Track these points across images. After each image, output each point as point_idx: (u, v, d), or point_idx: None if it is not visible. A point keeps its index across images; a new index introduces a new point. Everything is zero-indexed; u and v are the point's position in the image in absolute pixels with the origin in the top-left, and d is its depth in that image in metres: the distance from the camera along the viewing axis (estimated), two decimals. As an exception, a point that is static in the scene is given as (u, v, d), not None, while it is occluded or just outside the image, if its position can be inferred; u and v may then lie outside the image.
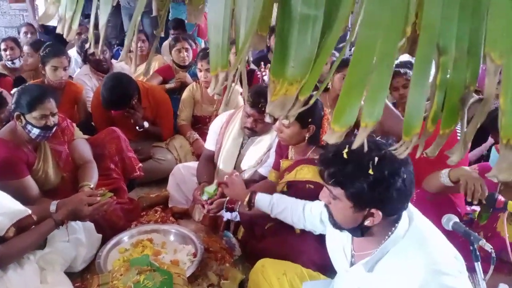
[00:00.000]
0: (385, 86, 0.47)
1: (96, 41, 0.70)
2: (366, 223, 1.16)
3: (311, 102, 0.53)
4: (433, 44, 0.46)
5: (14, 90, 2.15)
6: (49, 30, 4.90)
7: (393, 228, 1.18)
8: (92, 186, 2.20)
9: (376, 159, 1.06)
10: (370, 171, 1.06)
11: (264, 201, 1.76)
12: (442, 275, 1.08)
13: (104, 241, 2.05)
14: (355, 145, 0.48)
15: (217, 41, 0.59)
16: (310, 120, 1.90)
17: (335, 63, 0.55)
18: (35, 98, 2.02)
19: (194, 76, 3.67)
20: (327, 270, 1.57)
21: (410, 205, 1.23)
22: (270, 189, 2.11)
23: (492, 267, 1.34)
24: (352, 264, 1.31)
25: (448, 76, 0.46)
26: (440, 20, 0.46)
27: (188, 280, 1.70)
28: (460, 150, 0.47)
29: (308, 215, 1.64)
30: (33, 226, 1.81)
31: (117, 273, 1.62)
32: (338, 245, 1.38)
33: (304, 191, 1.89)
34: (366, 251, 1.25)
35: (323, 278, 1.68)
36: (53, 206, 1.89)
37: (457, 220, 1.49)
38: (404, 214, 1.20)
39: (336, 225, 1.24)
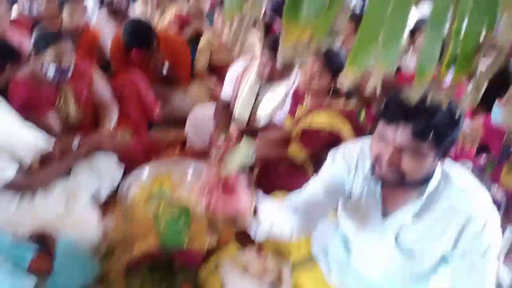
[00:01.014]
0: (400, 32, 0.48)
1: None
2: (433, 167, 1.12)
3: (322, 48, 0.54)
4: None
5: (35, 32, 2.18)
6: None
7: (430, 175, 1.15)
8: (111, 127, 2.27)
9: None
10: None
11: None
12: (488, 210, 1.10)
13: (124, 174, 2.11)
14: (368, 89, 0.49)
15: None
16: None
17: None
18: (52, 37, 2.07)
19: (211, 24, 3.62)
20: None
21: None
22: (284, 135, 2.15)
23: (501, 213, 1.36)
24: (385, 215, 1.26)
25: (464, 24, 0.46)
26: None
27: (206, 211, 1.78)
28: (472, 95, 0.48)
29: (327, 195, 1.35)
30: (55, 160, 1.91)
31: (137, 205, 1.72)
32: (364, 203, 1.30)
33: (317, 139, 1.92)
34: (402, 199, 1.21)
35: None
36: (75, 143, 1.98)
37: (471, 166, 1.51)
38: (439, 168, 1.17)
39: (401, 183, 1.13)
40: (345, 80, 0.50)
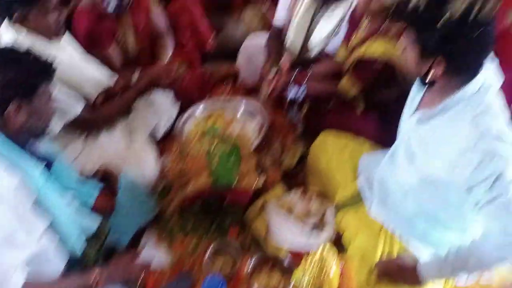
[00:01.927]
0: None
1: None
2: (431, 75, 1.16)
3: None
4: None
5: None
6: None
7: (459, 89, 1.16)
8: (167, 59, 2.31)
9: (451, 6, 1.02)
10: (447, 12, 1.02)
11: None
12: (493, 140, 1.10)
13: (180, 112, 2.21)
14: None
15: None
16: None
17: None
18: None
19: None
20: (387, 145, 1.60)
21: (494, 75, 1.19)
22: (337, 68, 2.07)
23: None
24: (413, 112, 1.35)
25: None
26: None
27: (254, 151, 1.85)
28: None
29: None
30: (119, 94, 2.01)
31: (193, 139, 1.82)
32: (412, 95, 1.39)
33: (372, 71, 1.83)
34: (430, 106, 1.26)
35: (382, 150, 1.72)
36: (135, 76, 2.06)
37: None
38: (476, 81, 1.15)
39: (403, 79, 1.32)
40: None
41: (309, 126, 2.14)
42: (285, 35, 2.41)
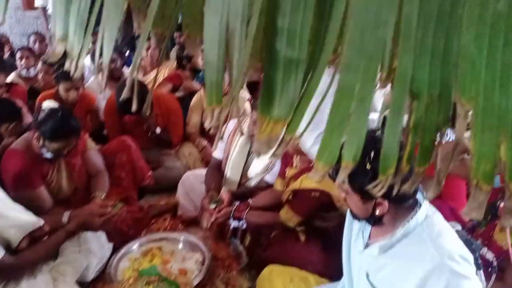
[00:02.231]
0: (363, 128, 0.51)
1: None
2: (377, 213, 1.23)
3: (295, 141, 0.57)
4: (406, 89, 0.50)
5: (45, 106, 2.14)
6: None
7: (408, 218, 1.22)
8: (103, 196, 2.27)
9: (372, 153, 1.11)
10: (368, 166, 1.11)
11: None
12: (452, 262, 1.12)
13: (114, 250, 2.10)
14: (337, 183, 0.52)
15: (212, 78, 0.63)
16: None
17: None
18: (60, 133, 2.06)
19: (203, 81, 3.73)
20: (332, 277, 1.60)
21: (429, 204, 1.29)
22: (276, 198, 2.15)
23: (494, 275, 1.35)
24: (366, 247, 1.36)
25: (421, 119, 0.49)
26: (413, 67, 0.49)
27: (196, 288, 1.74)
28: (434, 188, 0.51)
29: None
30: (46, 237, 1.88)
31: (126, 283, 1.68)
32: (357, 228, 1.44)
33: (309, 200, 1.92)
34: (381, 237, 1.30)
35: (329, 284, 1.70)
36: (65, 217, 1.95)
37: (459, 228, 1.51)
38: (423, 208, 1.24)
39: (354, 216, 1.34)
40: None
41: (253, 258, 2.10)
42: (224, 167, 2.51)
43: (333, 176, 1.23)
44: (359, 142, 0.51)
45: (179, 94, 3.67)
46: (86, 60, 4.19)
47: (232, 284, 1.95)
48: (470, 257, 1.19)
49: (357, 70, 0.51)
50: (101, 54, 0.71)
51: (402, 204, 1.23)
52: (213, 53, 0.64)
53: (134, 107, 0.65)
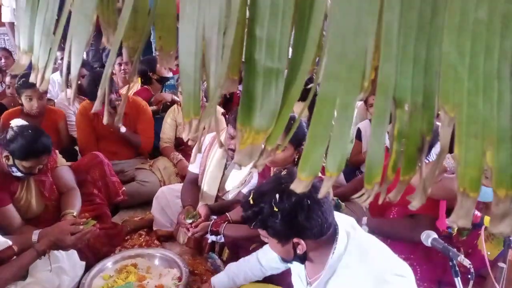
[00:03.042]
0: (346, 137, 0.50)
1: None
2: (298, 252, 1.25)
3: (279, 151, 0.55)
4: (389, 97, 0.49)
5: (14, 123, 2.08)
6: (28, 57, 4.86)
7: (333, 247, 1.24)
8: (75, 214, 2.19)
9: (277, 196, 1.18)
10: (274, 209, 1.16)
11: (223, 281, 1.78)
12: (384, 283, 1.15)
13: (87, 268, 2.02)
14: (321, 194, 0.50)
15: (189, 89, 0.61)
16: (302, 141, 1.95)
17: (300, 111, 0.58)
18: (32, 152, 1.99)
19: (173, 88, 3.71)
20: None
21: (349, 221, 1.35)
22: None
23: (471, 283, 1.36)
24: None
25: (404, 127, 0.49)
26: (395, 75, 0.49)
27: (173, 306, 1.69)
28: (420, 196, 0.50)
29: (265, 264, 1.69)
30: (14, 257, 1.78)
31: (100, 303, 1.61)
32: (295, 272, 1.45)
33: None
34: (317, 274, 1.31)
35: None
36: (35, 236, 1.87)
37: (436, 236, 1.52)
38: (342, 231, 1.27)
39: (283, 259, 1.35)
40: (298, 186, 0.51)
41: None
42: (201, 181, 2.47)
43: (247, 222, 1.31)
44: (342, 152, 0.49)
45: (151, 108, 3.62)
46: (56, 76, 4.11)
47: (212, 299, 1.90)
48: (403, 269, 1.22)
49: (338, 79, 0.50)
50: (69, 69, 0.67)
51: (320, 238, 1.24)
52: (189, 65, 0.62)
53: (105, 120, 0.62)
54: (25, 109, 2.93)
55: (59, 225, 1.93)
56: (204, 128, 0.64)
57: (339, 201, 2.04)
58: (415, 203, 0.49)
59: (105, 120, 0.61)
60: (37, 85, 0.67)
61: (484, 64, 0.46)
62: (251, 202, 1.23)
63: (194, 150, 2.59)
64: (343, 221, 1.33)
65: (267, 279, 1.77)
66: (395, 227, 1.99)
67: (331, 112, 0.50)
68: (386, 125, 0.49)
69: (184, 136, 0.64)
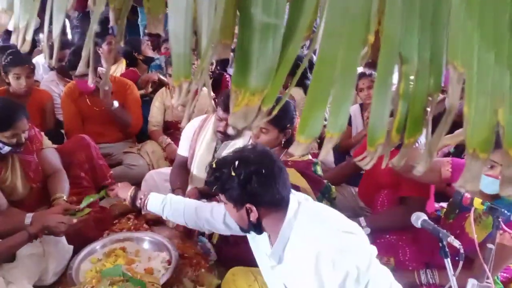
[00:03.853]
0: (348, 96, 0.47)
1: (62, 48, 0.67)
2: (251, 218, 1.34)
3: (275, 111, 0.52)
4: (394, 54, 0.46)
5: None
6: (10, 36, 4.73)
7: (284, 216, 1.33)
8: (65, 197, 2.15)
9: (236, 162, 1.28)
10: (232, 173, 1.27)
11: (156, 201, 1.78)
12: (332, 241, 1.25)
13: (75, 252, 1.98)
14: (321, 157, 0.48)
15: (179, 51, 0.58)
16: (288, 124, 1.94)
17: (296, 74, 0.54)
18: (8, 118, 1.94)
19: (158, 69, 3.65)
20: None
21: (304, 196, 1.44)
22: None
23: (461, 263, 1.36)
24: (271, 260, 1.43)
25: (411, 85, 0.46)
26: (401, 30, 0.46)
27: (163, 287, 1.66)
28: (425, 160, 0.47)
29: (208, 218, 1.71)
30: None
31: (88, 285, 1.58)
32: (260, 246, 1.50)
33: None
34: (273, 243, 1.38)
35: None
36: (28, 219, 1.83)
37: (426, 217, 1.52)
38: (294, 201, 1.36)
39: (241, 229, 1.45)
40: (297, 149, 0.48)
41: (222, 255, 2.04)
42: (190, 165, 2.44)
43: (209, 186, 1.40)
44: (345, 113, 0.46)
45: (140, 92, 3.55)
46: (40, 58, 4.00)
47: (201, 282, 1.88)
48: (352, 227, 1.32)
49: (340, 35, 0.47)
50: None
51: (272, 208, 1.33)
52: (179, 23, 0.58)
53: (90, 80, 0.58)
54: (12, 89, 2.84)
55: (53, 211, 1.91)
56: (195, 92, 0.60)
57: (330, 184, 2.03)
58: (420, 168, 0.46)
59: (101, 94, 0.57)
60: (18, 46, 0.63)
61: (495, 16, 0.43)
62: (214, 166, 1.35)
63: (182, 134, 2.56)
64: (297, 194, 1.43)
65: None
66: (392, 218, 2.00)
67: (331, 71, 0.47)
68: (391, 84, 0.46)
69: (174, 101, 0.61)
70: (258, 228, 1.38)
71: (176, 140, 2.83)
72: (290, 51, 0.51)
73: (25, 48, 0.64)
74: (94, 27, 0.57)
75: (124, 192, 1.89)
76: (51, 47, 0.64)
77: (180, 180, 2.39)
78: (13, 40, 0.67)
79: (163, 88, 3.29)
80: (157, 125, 3.21)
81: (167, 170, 2.61)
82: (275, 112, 0.52)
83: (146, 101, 3.34)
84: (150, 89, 3.57)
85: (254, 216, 1.34)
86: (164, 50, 4.24)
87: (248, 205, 1.32)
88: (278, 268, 1.39)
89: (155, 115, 3.21)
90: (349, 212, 2.03)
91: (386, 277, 1.33)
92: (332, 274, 1.20)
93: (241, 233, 1.55)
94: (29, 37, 0.64)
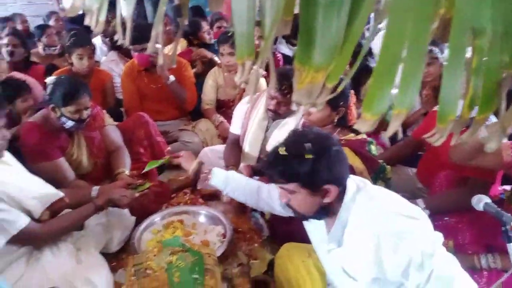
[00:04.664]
0: (418, 71, 0.46)
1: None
2: (326, 200, 1.28)
3: (340, 88, 0.52)
4: (467, 27, 0.44)
5: (49, 80, 2.18)
6: (74, 19, 4.97)
7: (343, 198, 1.30)
8: (127, 172, 2.28)
9: (308, 144, 1.22)
10: (307, 156, 1.21)
11: (219, 176, 1.80)
12: (393, 225, 1.20)
13: (137, 223, 2.11)
14: (388, 134, 0.47)
15: (242, 29, 0.59)
16: (341, 103, 1.90)
17: (360, 52, 0.54)
18: (71, 94, 2.08)
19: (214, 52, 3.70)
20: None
21: (356, 176, 1.40)
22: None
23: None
24: (328, 244, 1.40)
25: (484, 59, 0.44)
26: (473, 2, 0.44)
27: (218, 260, 1.73)
28: (497, 137, 0.45)
29: (267, 200, 1.71)
30: (68, 210, 1.89)
31: (150, 254, 1.67)
32: (316, 230, 1.48)
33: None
34: (330, 228, 1.36)
35: None
36: (94, 192, 1.97)
37: (489, 200, 1.45)
38: (351, 182, 1.33)
39: (303, 217, 1.38)
40: (363, 126, 0.48)
41: (275, 231, 2.08)
42: (242, 142, 2.48)
43: (264, 169, 1.35)
44: (414, 89, 0.46)
45: (193, 70, 3.62)
46: (97, 40, 4.18)
47: (255, 256, 1.94)
48: (415, 211, 1.25)
49: (408, 9, 0.46)
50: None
51: (342, 185, 1.29)
52: (242, 2, 0.59)
53: (160, 60, 0.61)
54: (74, 69, 3.00)
55: (117, 185, 2.04)
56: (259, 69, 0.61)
57: (385, 164, 1.99)
58: (493, 144, 0.45)
59: (160, 61, 0.60)
60: (92, 27, 0.67)
61: None
62: (283, 153, 1.25)
63: (235, 112, 2.60)
64: (353, 177, 1.39)
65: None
66: (453, 200, 1.92)
67: (399, 46, 0.47)
68: (463, 58, 0.45)
69: (237, 79, 0.62)
70: (328, 212, 1.33)
71: (228, 118, 2.88)
72: (356, 27, 0.50)
73: (98, 29, 0.68)
74: (163, 7, 0.59)
75: (187, 162, 1.94)
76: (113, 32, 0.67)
77: (234, 157, 2.45)
78: (87, 22, 0.71)
79: (216, 67, 3.34)
80: (210, 104, 3.28)
81: (220, 147, 2.67)
82: (340, 89, 0.52)
83: (199, 81, 3.41)
84: (200, 69, 3.63)
85: (332, 196, 1.28)
86: (216, 30, 4.26)
87: (326, 186, 1.26)
88: (336, 252, 1.37)
89: (208, 94, 3.28)
90: (405, 193, 1.98)
91: (451, 267, 1.24)
92: (393, 258, 1.17)
93: None
94: (102, 18, 0.68)
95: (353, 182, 1.34)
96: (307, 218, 1.39)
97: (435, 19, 0.45)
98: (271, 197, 1.68)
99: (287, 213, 1.65)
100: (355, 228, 1.28)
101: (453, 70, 0.45)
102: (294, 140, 1.29)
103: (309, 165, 1.22)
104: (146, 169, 2.10)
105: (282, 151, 1.25)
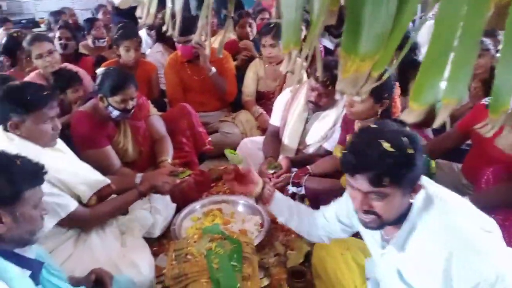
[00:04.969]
0: (470, 61, 0.44)
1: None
2: (412, 200, 1.16)
3: (384, 77, 0.52)
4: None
5: (99, 71, 2.29)
6: (121, 11, 5.13)
7: (411, 201, 1.16)
8: (169, 160, 2.34)
9: (405, 139, 1.09)
10: (409, 150, 1.07)
11: (281, 205, 1.61)
12: (470, 234, 1.09)
13: (178, 210, 2.17)
14: (436, 124, 0.46)
15: (290, 18, 0.59)
16: (386, 95, 1.85)
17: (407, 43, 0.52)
18: (118, 84, 2.15)
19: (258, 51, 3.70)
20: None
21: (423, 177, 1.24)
22: (335, 165, 2.09)
23: None
24: (383, 248, 1.30)
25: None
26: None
27: (256, 249, 1.76)
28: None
29: (323, 223, 1.56)
30: (114, 195, 1.97)
31: (191, 240, 1.73)
32: (370, 231, 1.34)
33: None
34: (394, 231, 1.23)
35: None
36: (138, 179, 2.04)
37: None
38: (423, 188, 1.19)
39: (381, 224, 1.19)
40: (410, 117, 0.47)
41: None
42: (282, 134, 2.48)
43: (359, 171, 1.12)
44: (465, 78, 0.44)
45: (235, 63, 3.66)
46: (143, 33, 4.30)
47: (292, 247, 1.95)
48: (489, 224, 1.14)
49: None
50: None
51: (407, 191, 1.14)
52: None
53: (195, 38, 0.61)
54: (122, 60, 3.10)
55: (160, 172, 2.10)
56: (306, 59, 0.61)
57: (429, 158, 1.92)
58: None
59: (206, 51, 0.61)
60: (143, 19, 0.70)
61: None
62: (389, 149, 1.08)
63: (275, 103, 2.60)
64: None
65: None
66: (502, 196, 1.83)
67: (451, 34, 0.45)
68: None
69: (282, 68, 0.63)
70: (406, 214, 1.18)
71: (268, 110, 2.90)
72: (405, 15, 0.49)
73: (149, 20, 0.71)
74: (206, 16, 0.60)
75: (248, 185, 1.64)
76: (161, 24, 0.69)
77: (273, 148, 2.46)
78: (138, 13, 0.74)
79: (257, 59, 3.35)
80: (250, 95, 3.30)
81: (260, 138, 2.69)
82: (384, 78, 0.51)
83: (240, 73, 3.43)
84: (240, 62, 3.65)
85: (415, 195, 1.16)
86: (259, 22, 4.26)
87: (420, 183, 1.15)
88: (392, 254, 1.25)
89: (249, 86, 3.29)
90: (449, 189, 1.92)
91: None
92: (464, 276, 1.07)
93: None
94: (153, 10, 0.70)
95: (423, 190, 1.20)
96: (385, 225, 1.22)
97: (490, 6, 0.43)
98: (327, 218, 1.56)
99: (345, 233, 1.53)
100: (425, 236, 1.16)
101: (507, 61, 0.43)
102: (391, 134, 1.12)
103: (412, 161, 1.08)
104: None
105: (387, 147, 1.08)
